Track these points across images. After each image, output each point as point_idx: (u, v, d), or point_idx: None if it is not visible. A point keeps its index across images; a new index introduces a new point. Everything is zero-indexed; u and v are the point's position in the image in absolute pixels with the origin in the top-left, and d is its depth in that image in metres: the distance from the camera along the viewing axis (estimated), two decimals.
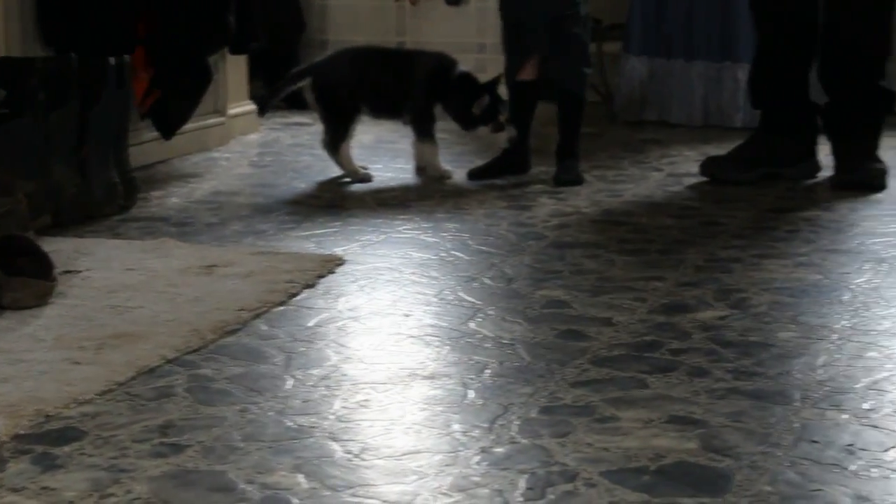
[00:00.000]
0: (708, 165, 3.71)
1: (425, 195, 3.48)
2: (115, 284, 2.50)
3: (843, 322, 2.28)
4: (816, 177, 3.68)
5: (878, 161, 3.59)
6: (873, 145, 3.62)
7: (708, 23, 4.68)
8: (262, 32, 4.27)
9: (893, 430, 1.77)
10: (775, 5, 3.66)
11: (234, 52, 4.22)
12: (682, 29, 4.71)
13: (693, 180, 3.67)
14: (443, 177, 3.72)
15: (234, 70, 4.38)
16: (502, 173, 3.74)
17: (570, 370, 2.03)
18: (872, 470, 1.64)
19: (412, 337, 2.22)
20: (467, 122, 3.73)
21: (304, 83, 3.73)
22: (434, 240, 2.95)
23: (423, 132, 3.74)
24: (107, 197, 3.17)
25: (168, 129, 3.82)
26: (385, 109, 3.75)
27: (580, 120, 3.73)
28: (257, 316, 2.31)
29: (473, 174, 3.74)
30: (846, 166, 3.56)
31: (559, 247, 2.87)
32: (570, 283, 2.57)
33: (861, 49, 3.59)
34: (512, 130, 3.68)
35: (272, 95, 3.92)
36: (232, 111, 4.38)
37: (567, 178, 3.63)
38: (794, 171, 3.67)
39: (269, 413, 1.84)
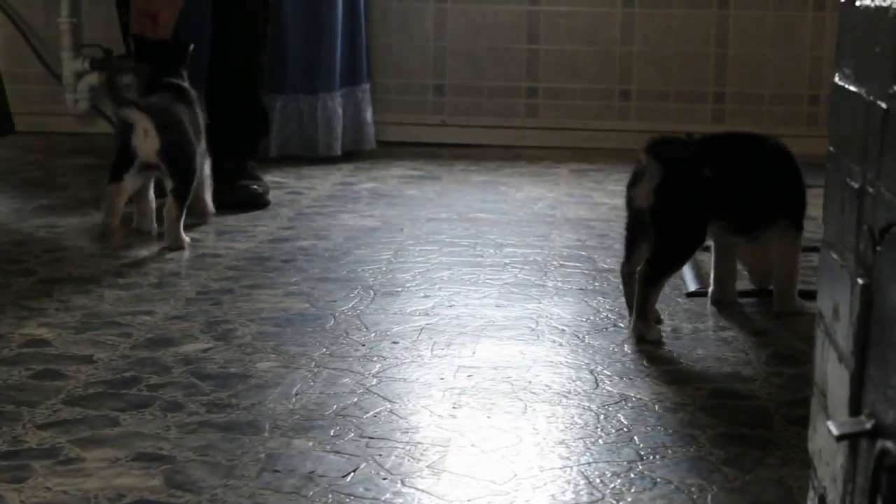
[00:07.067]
0: None
1: None
2: None
3: (323, 350, 2.34)
4: None
5: (259, 180, 3.84)
6: (252, 166, 3.90)
7: None
8: None
9: (353, 455, 1.83)
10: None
11: None
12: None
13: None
14: None
15: None
16: None
17: (40, 412, 1.98)
18: (329, 495, 1.69)
19: None
20: None
21: None
22: None
23: None
24: None
25: None
26: None
27: None
28: None
29: None
30: (227, 187, 3.74)
31: (48, 282, 2.79)
32: (55, 320, 2.50)
33: (245, 74, 3.85)
34: None
35: None
36: None
37: None
38: None
39: None
